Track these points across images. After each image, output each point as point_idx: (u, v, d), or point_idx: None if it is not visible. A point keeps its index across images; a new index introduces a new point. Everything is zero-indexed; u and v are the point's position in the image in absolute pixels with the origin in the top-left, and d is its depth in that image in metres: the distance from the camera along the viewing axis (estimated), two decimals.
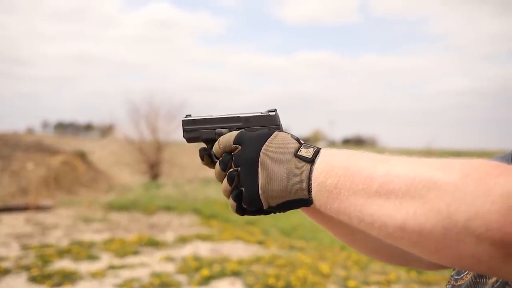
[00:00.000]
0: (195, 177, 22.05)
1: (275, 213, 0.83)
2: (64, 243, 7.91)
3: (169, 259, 6.98)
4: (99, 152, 25.27)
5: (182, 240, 8.39)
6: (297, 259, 7.12)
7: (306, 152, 0.78)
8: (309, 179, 0.75)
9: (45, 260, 6.68)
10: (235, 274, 6.16)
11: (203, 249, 7.73)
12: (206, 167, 0.98)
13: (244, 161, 0.82)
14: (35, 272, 6.09)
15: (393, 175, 0.65)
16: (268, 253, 7.47)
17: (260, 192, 0.79)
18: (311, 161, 0.76)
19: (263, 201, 0.80)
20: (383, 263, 6.10)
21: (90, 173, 16.96)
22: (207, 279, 5.91)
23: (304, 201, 0.77)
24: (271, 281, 5.80)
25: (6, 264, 6.44)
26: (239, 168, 0.83)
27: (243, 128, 0.93)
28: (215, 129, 0.96)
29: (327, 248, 8.02)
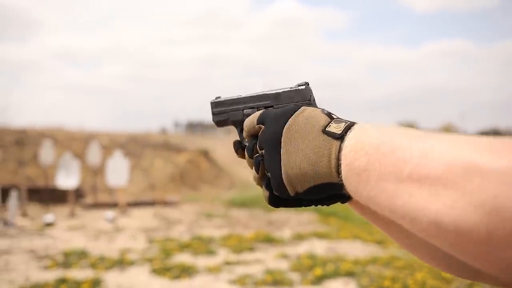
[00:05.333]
0: None
1: (311, 204, 0.72)
2: (186, 238, 8.25)
3: (284, 256, 6.97)
4: (223, 150, 26.14)
5: (299, 238, 8.35)
6: (417, 261, 6.72)
7: (336, 128, 0.65)
8: (338, 159, 0.63)
9: (167, 254, 7.02)
10: (350, 274, 5.97)
11: (319, 247, 7.62)
12: None
13: (267, 142, 0.72)
14: (157, 264, 6.41)
15: (430, 157, 0.52)
16: (386, 254, 7.16)
17: (284, 176, 0.68)
18: (341, 137, 0.64)
19: (288, 187, 0.69)
20: None
21: (213, 170, 17.62)
22: (320, 279, 5.79)
23: (335, 186, 0.65)
24: (386, 283, 5.53)
25: (132, 256, 6.86)
26: (264, 152, 0.73)
27: (272, 106, 0.84)
28: (243, 110, 0.88)
29: None
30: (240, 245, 7.62)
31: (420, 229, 0.52)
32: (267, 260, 6.80)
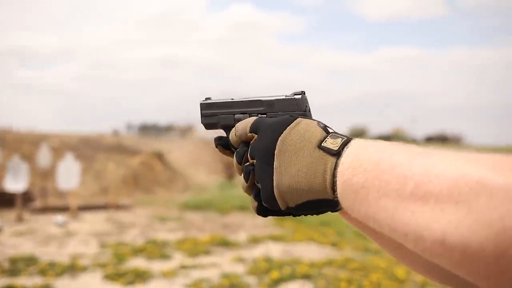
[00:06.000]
0: None
1: (301, 214, 0.70)
2: (140, 242, 8.09)
3: (240, 260, 6.93)
4: (177, 152, 25.89)
5: (254, 241, 8.34)
6: (372, 262, 6.83)
7: (333, 143, 0.64)
8: (334, 175, 0.61)
9: (120, 259, 6.85)
10: (306, 277, 5.99)
11: (275, 250, 7.62)
12: None
13: (259, 153, 0.70)
14: (110, 270, 6.25)
15: (433, 174, 0.50)
16: (341, 256, 7.23)
17: (276, 190, 0.67)
18: (337, 153, 0.62)
19: (279, 201, 0.67)
20: None
21: (167, 173, 17.41)
22: (277, 282, 5.78)
23: (329, 203, 0.63)
24: (343, 285, 5.58)
25: (84, 262, 6.66)
26: (255, 161, 0.71)
27: (265, 114, 0.81)
28: (234, 114, 0.84)
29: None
30: (195, 249, 7.53)
31: (424, 248, 0.50)
32: (223, 263, 6.74)
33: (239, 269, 6.44)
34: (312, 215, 0.70)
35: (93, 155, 16.23)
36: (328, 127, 0.69)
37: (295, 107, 0.79)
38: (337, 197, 0.61)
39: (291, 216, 0.72)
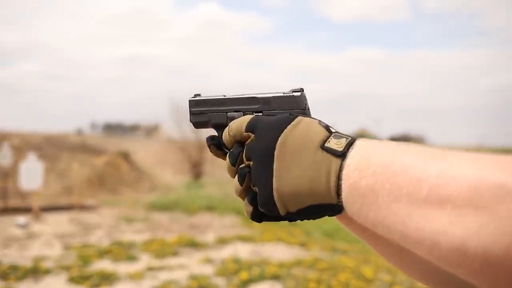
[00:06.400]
0: None
1: (298, 219, 0.66)
2: (105, 243, 7.93)
3: (208, 261, 6.86)
4: (143, 152, 25.60)
5: (222, 241, 8.28)
6: (340, 262, 6.87)
7: (337, 144, 0.60)
8: (339, 178, 0.57)
9: (85, 261, 6.70)
10: (275, 277, 5.98)
11: (243, 250, 7.59)
12: None
13: (256, 154, 0.65)
14: (74, 272, 6.10)
15: (450, 177, 0.47)
16: (310, 256, 7.25)
17: (275, 194, 0.62)
18: (342, 154, 0.58)
19: (278, 205, 0.63)
20: None
21: (133, 173, 17.18)
22: (246, 283, 5.75)
23: (332, 207, 0.59)
24: (312, 285, 5.59)
25: (47, 264, 6.48)
26: (251, 163, 0.66)
27: (261, 112, 0.76)
28: (227, 112, 0.79)
29: (371, 251, 7.71)
30: (162, 250, 7.43)
31: (439, 256, 0.47)
32: (191, 265, 6.67)
33: (208, 270, 6.38)
34: (309, 219, 0.66)
35: (57, 155, 15.87)
36: (330, 127, 0.65)
37: (294, 105, 0.74)
38: (341, 201, 0.58)
39: (287, 221, 0.68)
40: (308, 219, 0.65)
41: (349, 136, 0.62)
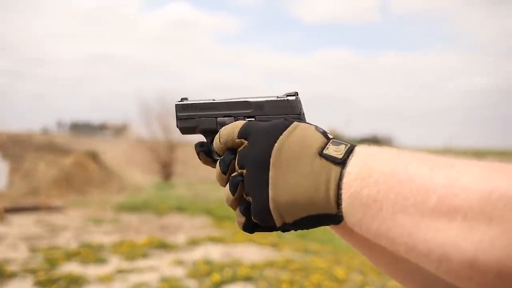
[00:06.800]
0: (209, 177, 21.93)
1: (292, 229, 0.62)
2: (73, 246, 7.76)
3: (179, 262, 6.78)
4: (112, 152, 25.25)
5: (193, 243, 8.20)
6: (312, 263, 6.88)
7: (336, 151, 0.57)
8: (339, 187, 0.54)
9: (52, 263, 6.53)
10: (247, 279, 5.94)
11: (215, 252, 7.53)
12: None
13: (250, 162, 0.62)
14: (41, 276, 5.93)
15: (459, 187, 0.45)
16: (282, 257, 7.24)
17: (271, 204, 0.59)
18: (342, 162, 0.55)
19: (275, 216, 0.59)
20: None
21: (102, 174, 16.92)
22: (218, 285, 5.69)
23: (331, 218, 0.56)
24: (284, 286, 5.57)
25: (12, 267, 6.29)
26: (244, 171, 0.62)
27: (253, 117, 0.72)
28: (216, 118, 0.74)
29: (343, 251, 7.78)
30: (132, 252, 7.31)
31: (449, 270, 0.45)
32: (161, 267, 6.58)
33: (179, 272, 6.30)
34: (303, 229, 0.62)
35: (22, 154, 15.51)
36: (328, 133, 0.61)
37: (289, 110, 0.71)
38: (341, 211, 0.55)
39: (279, 231, 0.64)
40: (306, 229, 0.62)
41: (348, 142, 0.59)
